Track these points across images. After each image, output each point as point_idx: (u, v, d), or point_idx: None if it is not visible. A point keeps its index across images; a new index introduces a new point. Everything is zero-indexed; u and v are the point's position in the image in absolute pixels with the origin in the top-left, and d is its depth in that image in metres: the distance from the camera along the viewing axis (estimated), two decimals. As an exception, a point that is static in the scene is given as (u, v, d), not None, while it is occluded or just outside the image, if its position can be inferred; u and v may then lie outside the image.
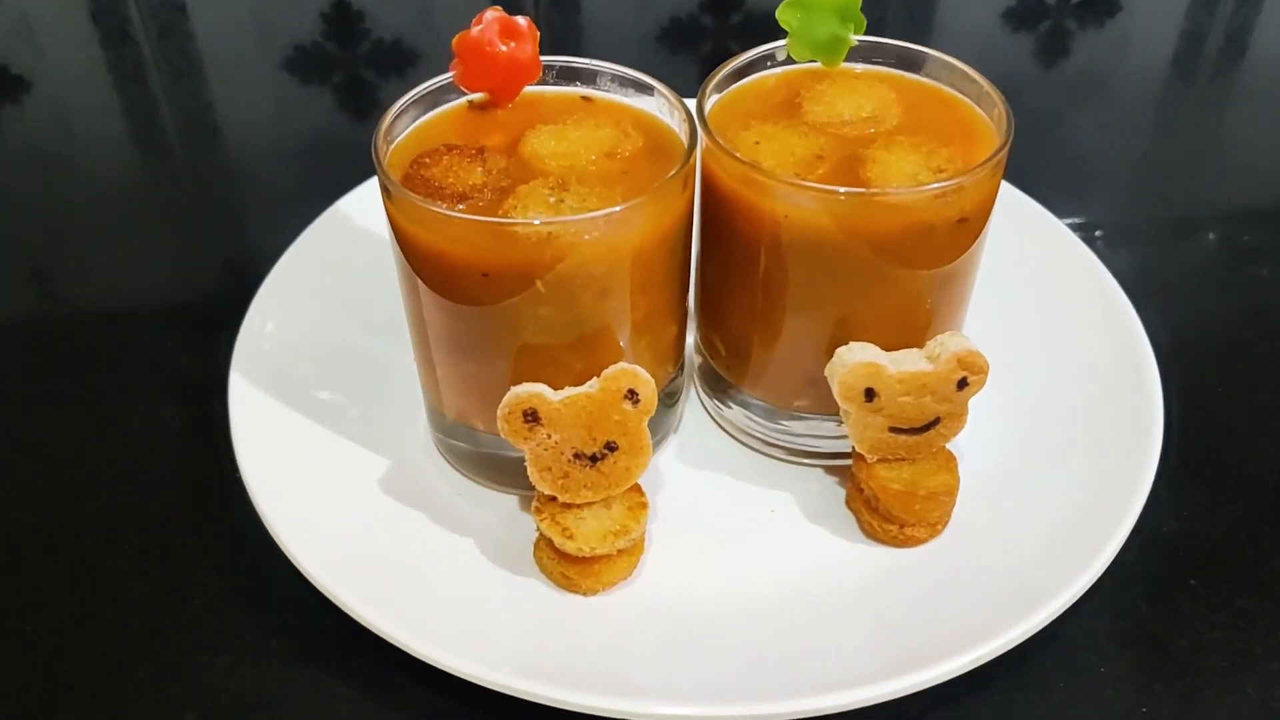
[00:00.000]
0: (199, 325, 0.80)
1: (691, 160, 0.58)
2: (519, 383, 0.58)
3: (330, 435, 0.68)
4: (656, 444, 0.68)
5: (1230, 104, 1.16)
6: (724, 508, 0.66)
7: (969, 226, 0.59)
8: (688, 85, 0.65)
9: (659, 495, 0.66)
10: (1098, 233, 0.92)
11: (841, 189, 0.56)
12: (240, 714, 0.57)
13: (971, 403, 0.66)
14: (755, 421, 0.67)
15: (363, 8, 1.24)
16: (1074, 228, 0.83)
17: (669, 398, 0.68)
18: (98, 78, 1.18)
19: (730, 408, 0.69)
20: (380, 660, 0.58)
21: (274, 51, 1.19)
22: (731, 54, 0.66)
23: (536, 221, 0.55)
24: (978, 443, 0.67)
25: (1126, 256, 0.89)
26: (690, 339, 0.71)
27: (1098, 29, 1.29)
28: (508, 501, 0.65)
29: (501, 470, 0.65)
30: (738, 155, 0.58)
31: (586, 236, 0.55)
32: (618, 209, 0.55)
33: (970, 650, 0.55)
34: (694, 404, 0.72)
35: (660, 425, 0.68)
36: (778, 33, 0.65)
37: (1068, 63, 1.24)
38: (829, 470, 0.67)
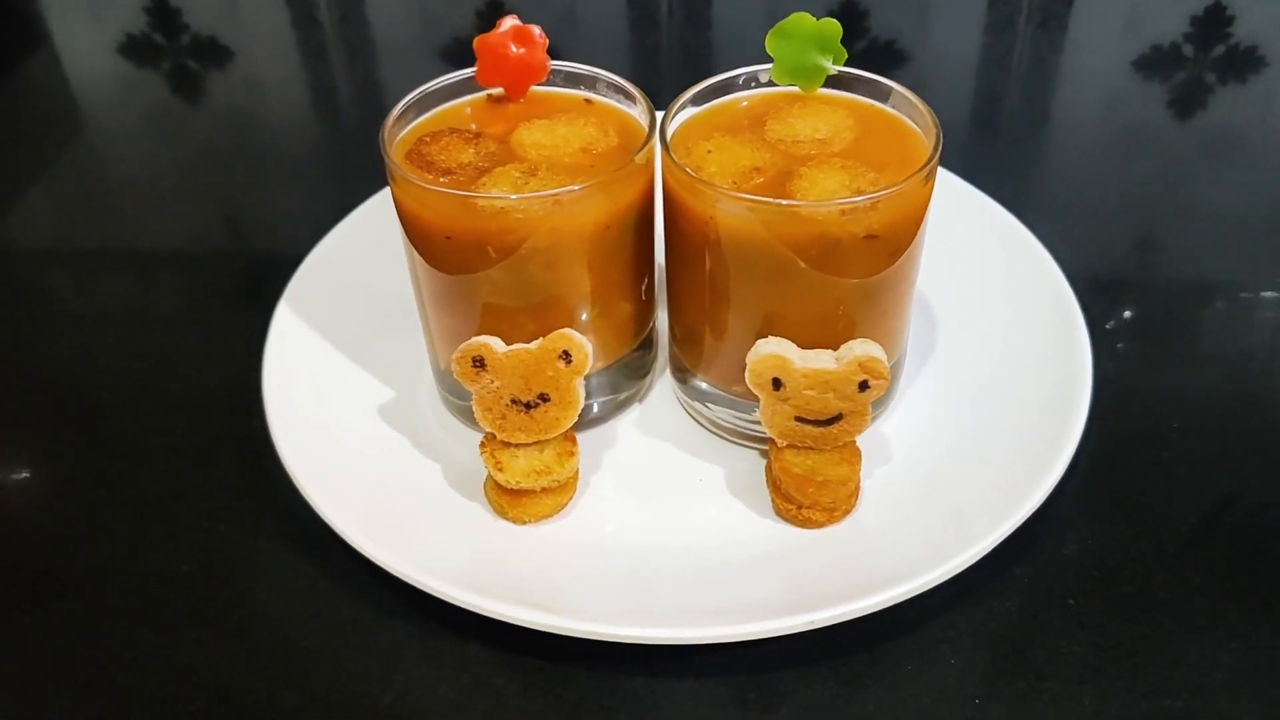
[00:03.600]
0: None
1: (639, 160, 0.67)
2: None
3: (350, 363, 0.80)
4: (619, 408, 0.77)
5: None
6: (660, 471, 0.74)
7: (879, 244, 0.65)
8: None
9: (608, 452, 0.75)
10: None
11: (754, 197, 0.63)
12: (219, 570, 0.70)
13: (917, 415, 0.75)
14: (702, 401, 0.75)
15: (514, 7, 1.37)
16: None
17: (630, 369, 0.76)
18: (287, 52, 1.37)
19: (684, 386, 0.77)
20: (334, 547, 0.69)
21: (435, 40, 1.35)
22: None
23: (492, 196, 0.65)
24: (916, 448, 0.74)
25: (1207, 312, 0.89)
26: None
27: (1239, 84, 1.27)
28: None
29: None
30: (674, 158, 0.66)
31: (534, 214, 0.65)
32: (557, 192, 0.64)
33: (815, 611, 0.61)
34: (666, 379, 0.80)
35: (624, 392, 0.77)
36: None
37: (1204, 116, 1.23)
38: (762, 454, 0.74)
